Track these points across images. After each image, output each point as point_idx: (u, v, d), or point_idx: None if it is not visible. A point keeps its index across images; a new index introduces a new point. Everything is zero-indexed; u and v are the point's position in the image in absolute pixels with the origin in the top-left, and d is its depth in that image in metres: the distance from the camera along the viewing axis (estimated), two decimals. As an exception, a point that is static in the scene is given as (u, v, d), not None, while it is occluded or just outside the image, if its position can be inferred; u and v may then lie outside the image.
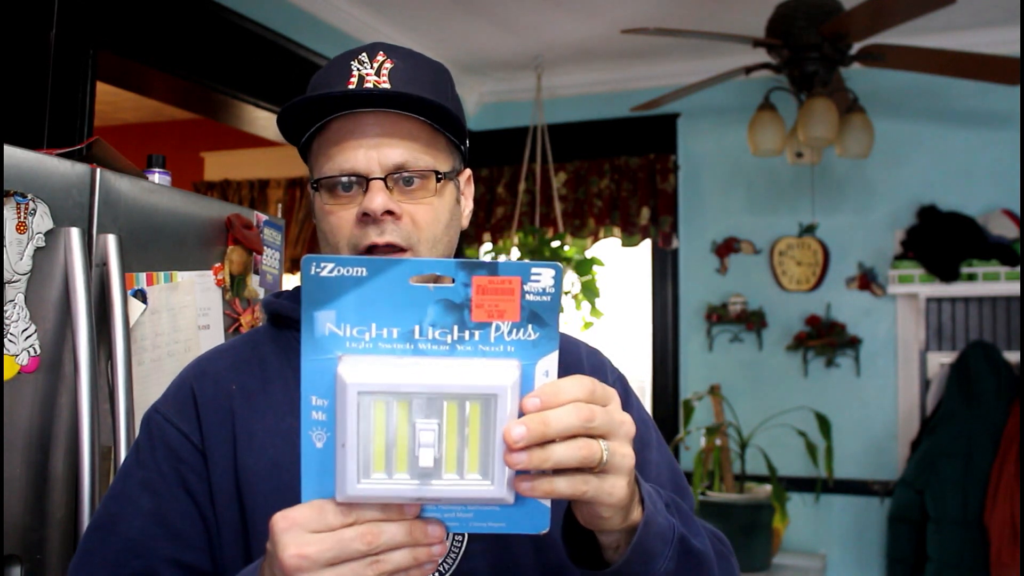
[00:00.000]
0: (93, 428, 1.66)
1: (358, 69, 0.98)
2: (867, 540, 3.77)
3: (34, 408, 1.65)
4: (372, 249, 0.97)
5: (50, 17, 2.34)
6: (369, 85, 0.97)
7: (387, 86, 0.98)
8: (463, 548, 0.95)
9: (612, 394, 0.74)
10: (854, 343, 3.80)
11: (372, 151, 0.97)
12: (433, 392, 0.68)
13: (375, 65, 0.99)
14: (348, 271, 0.70)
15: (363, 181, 0.97)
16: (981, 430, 3.28)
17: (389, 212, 0.96)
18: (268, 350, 1.03)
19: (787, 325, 3.94)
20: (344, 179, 0.97)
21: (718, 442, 3.46)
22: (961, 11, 3.21)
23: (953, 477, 3.28)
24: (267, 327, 1.08)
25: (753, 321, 3.93)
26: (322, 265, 0.69)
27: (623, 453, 0.73)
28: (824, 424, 3.52)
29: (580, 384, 0.71)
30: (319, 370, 0.70)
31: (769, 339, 3.97)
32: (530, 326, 0.71)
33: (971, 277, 3.56)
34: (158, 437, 0.99)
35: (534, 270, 0.70)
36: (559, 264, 0.71)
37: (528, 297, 0.70)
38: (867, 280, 3.83)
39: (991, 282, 3.54)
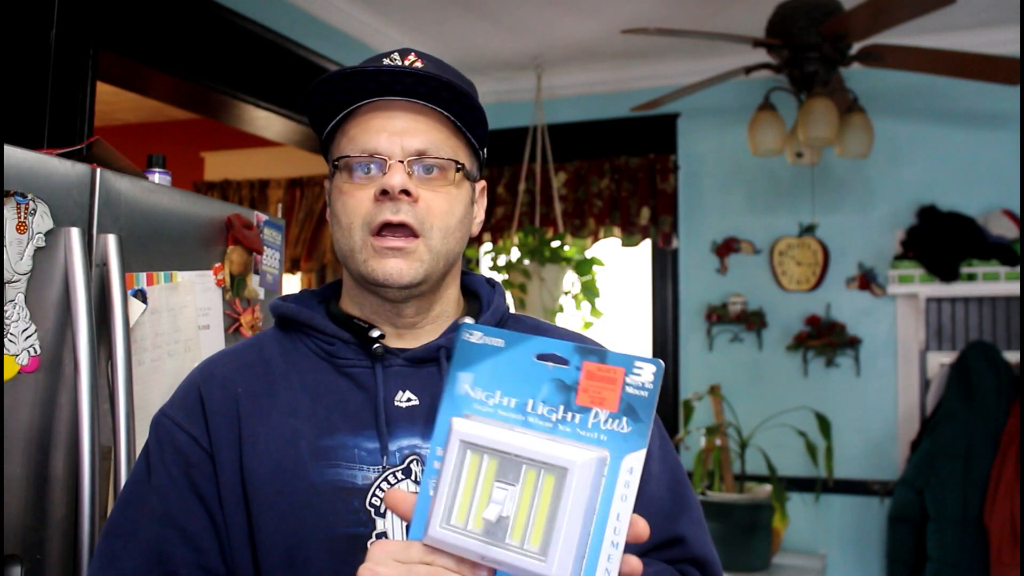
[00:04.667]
0: (93, 428, 1.66)
1: (390, 66, 0.99)
2: (867, 540, 3.77)
3: (34, 408, 1.65)
4: (385, 227, 0.97)
5: (50, 17, 2.34)
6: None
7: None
8: None
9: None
10: (854, 343, 3.80)
11: (395, 136, 0.98)
12: (517, 455, 0.73)
13: (406, 63, 1.01)
14: (490, 341, 0.79)
15: (383, 163, 0.98)
16: (981, 430, 3.28)
17: (406, 192, 0.97)
18: (274, 353, 1.03)
19: (787, 325, 3.94)
20: (365, 159, 0.98)
21: (718, 442, 3.46)
22: (961, 11, 3.21)
23: (953, 477, 3.28)
24: (274, 330, 1.08)
25: (753, 321, 3.93)
26: (472, 333, 0.80)
27: None
28: (824, 424, 3.52)
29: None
30: (448, 425, 0.78)
31: (769, 339, 3.97)
32: (625, 419, 0.73)
33: (971, 277, 3.56)
34: (167, 441, 0.99)
35: (637, 363, 0.74)
36: (661, 362, 0.74)
37: (628, 389, 0.73)
38: (867, 280, 3.83)
39: (991, 282, 3.54)
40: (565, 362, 0.76)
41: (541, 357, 0.77)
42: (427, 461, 0.77)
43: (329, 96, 1.00)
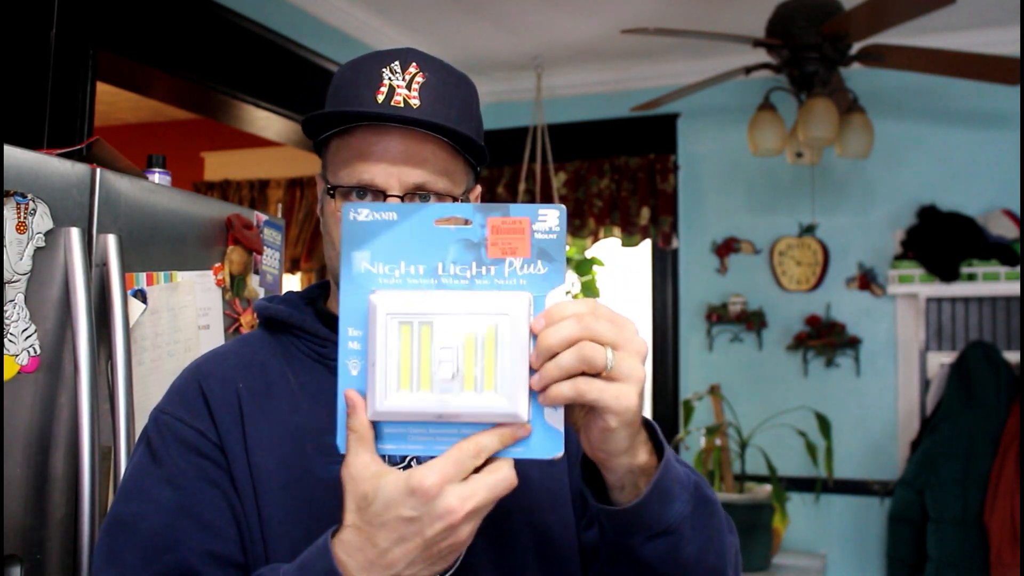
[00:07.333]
0: (93, 428, 1.66)
1: (389, 79, 0.98)
2: (867, 540, 3.77)
3: (34, 408, 1.65)
4: None
5: (50, 17, 2.34)
6: (399, 99, 0.97)
7: (417, 103, 0.97)
8: None
9: (625, 319, 0.77)
10: (854, 343, 3.80)
11: (392, 169, 0.97)
12: (452, 316, 0.75)
13: (407, 77, 0.98)
14: (381, 215, 0.78)
15: (379, 195, 0.97)
16: (981, 430, 3.28)
17: None
18: (266, 354, 1.03)
19: (787, 325, 3.94)
20: (360, 190, 0.98)
21: (718, 442, 3.46)
22: (961, 11, 3.21)
23: (953, 477, 3.28)
24: (261, 332, 1.08)
25: (753, 321, 3.93)
26: (359, 211, 0.78)
27: (631, 364, 0.76)
28: (824, 424, 3.52)
29: (584, 302, 0.76)
30: (355, 304, 0.77)
31: (769, 339, 3.97)
32: (539, 261, 0.77)
33: (971, 277, 3.56)
34: (171, 436, 0.98)
35: (541, 211, 0.77)
36: (563, 205, 0.78)
37: (537, 236, 0.77)
38: (867, 280, 3.83)
39: (991, 282, 3.54)
40: (467, 223, 0.77)
41: (440, 223, 0.78)
42: (340, 343, 0.77)
43: (324, 115, 0.99)
